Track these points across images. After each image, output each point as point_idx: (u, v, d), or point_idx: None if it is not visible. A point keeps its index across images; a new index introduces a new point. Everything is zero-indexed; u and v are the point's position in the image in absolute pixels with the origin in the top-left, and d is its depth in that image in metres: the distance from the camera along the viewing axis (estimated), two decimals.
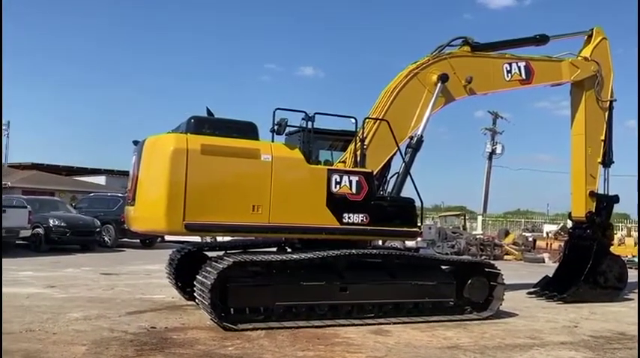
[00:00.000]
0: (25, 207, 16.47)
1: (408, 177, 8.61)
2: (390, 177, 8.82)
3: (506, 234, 25.88)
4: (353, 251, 7.51)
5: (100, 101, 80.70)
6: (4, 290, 9.21)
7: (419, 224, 8.35)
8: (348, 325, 7.17)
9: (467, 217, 32.85)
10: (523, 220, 38.20)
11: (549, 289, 10.53)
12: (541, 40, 10.51)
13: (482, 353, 6.10)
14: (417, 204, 8.34)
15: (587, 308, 9.38)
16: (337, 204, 7.60)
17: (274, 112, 7.64)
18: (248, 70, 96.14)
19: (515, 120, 71.87)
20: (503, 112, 42.09)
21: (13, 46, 70.24)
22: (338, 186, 7.61)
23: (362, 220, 7.74)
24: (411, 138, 8.90)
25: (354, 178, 7.74)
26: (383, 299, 7.73)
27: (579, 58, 10.81)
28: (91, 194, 24.06)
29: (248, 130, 7.56)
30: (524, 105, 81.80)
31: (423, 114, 8.93)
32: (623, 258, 11.82)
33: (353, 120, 8.18)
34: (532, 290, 10.82)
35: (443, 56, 9.38)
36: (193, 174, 6.91)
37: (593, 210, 10.55)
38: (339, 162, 8.51)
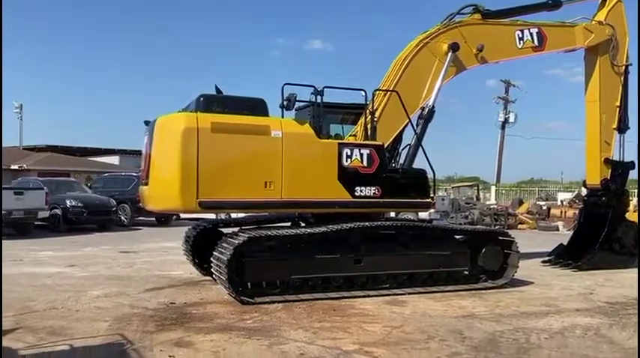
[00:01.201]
0: (42, 189, 16.71)
1: (420, 148, 8.58)
2: (402, 149, 8.80)
3: (520, 203, 25.73)
4: (366, 224, 7.56)
5: (106, 81, 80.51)
6: (26, 270, 9.51)
7: (431, 195, 8.35)
8: (364, 296, 7.26)
9: (480, 187, 32.62)
10: (537, 189, 37.95)
11: (564, 257, 10.52)
12: (554, 5, 10.26)
13: (498, 321, 6.15)
14: (430, 175, 8.33)
15: (602, 275, 9.38)
16: (349, 177, 7.62)
17: (283, 88, 7.62)
18: (257, 46, 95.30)
19: (527, 88, 70.79)
20: (516, 81, 41.45)
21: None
22: (349, 159, 7.62)
23: (374, 193, 7.76)
24: (423, 108, 8.83)
25: (365, 151, 7.74)
26: (397, 270, 7.79)
27: (593, 22, 10.53)
28: (106, 174, 24.30)
29: (258, 107, 7.56)
30: (537, 72, 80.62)
31: (434, 84, 8.85)
32: None
33: (363, 93, 8.14)
34: (546, 258, 10.82)
35: (453, 25, 9.21)
36: (205, 152, 6.96)
37: (608, 177, 10.42)
38: (350, 135, 8.49)
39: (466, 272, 8.22)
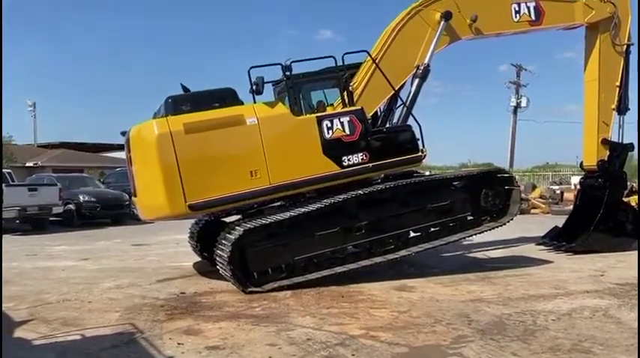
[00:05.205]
0: (56, 185, 16.96)
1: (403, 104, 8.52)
2: (396, 108, 8.72)
3: (533, 188, 25.51)
4: (359, 191, 7.44)
5: (117, 79, 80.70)
6: (41, 263, 9.67)
7: (421, 148, 8.15)
8: (372, 280, 7.26)
9: None
10: (551, 173, 37.62)
11: (558, 239, 10.37)
12: None
13: (506, 304, 6.14)
14: (417, 129, 8.27)
15: (614, 257, 9.28)
16: (334, 149, 7.54)
17: (249, 72, 7.45)
18: (266, 38, 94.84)
19: (540, 72, 69.81)
20: (528, 65, 41.01)
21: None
22: (330, 131, 7.54)
23: (362, 159, 7.66)
24: (418, 67, 8.72)
25: (345, 119, 7.62)
26: (399, 229, 7.73)
27: None
28: (118, 169, 24.52)
29: (228, 97, 7.49)
30: (550, 56, 79.47)
31: (427, 51, 8.77)
32: None
33: (332, 59, 7.87)
34: (540, 241, 10.69)
35: None
36: (183, 155, 6.96)
37: (606, 158, 10.14)
38: (329, 105, 8.31)
39: (470, 217, 8.18)
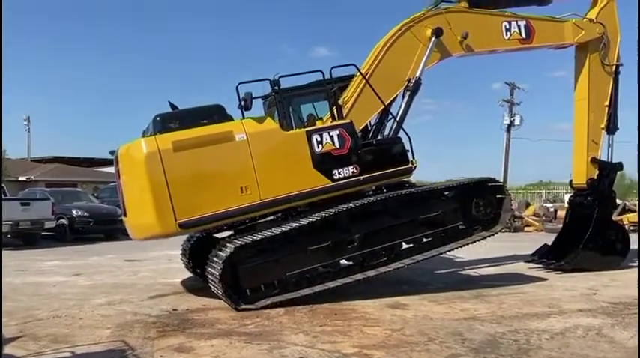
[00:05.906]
0: (49, 199, 16.88)
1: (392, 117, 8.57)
2: (387, 121, 8.76)
3: (527, 205, 25.56)
4: (350, 204, 7.43)
5: (110, 93, 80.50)
6: (32, 279, 9.58)
7: (411, 159, 8.15)
8: (364, 298, 7.25)
9: None
10: (544, 191, 37.76)
11: (547, 257, 10.37)
12: None
13: (499, 323, 6.13)
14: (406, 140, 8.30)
15: (607, 276, 9.30)
16: (324, 162, 7.53)
17: (237, 88, 7.47)
18: (263, 55, 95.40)
19: (533, 91, 70.18)
20: (521, 83, 41.27)
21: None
22: (320, 145, 7.53)
23: (353, 172, 7.64)
24: (409, 80, 8.77)
25: (335, 133, 7.63)
26: (391, 241, 7.72)
27: (584, 19, 10.38)
28: (112, 184, 24.44)
29: (216, 114, 7.50)
30: (543, 74, 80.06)
31: (418, 66, 8.84)
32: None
33: (320, 74, 7.95)
34: (530, 258, 10.68)
35: (439, 10, 9.16)
36: (172, 173, 6.94)
37: (595, 177, 10.20)
38: (318, 119, 8.33)
39: (462, 227, 8.20)
